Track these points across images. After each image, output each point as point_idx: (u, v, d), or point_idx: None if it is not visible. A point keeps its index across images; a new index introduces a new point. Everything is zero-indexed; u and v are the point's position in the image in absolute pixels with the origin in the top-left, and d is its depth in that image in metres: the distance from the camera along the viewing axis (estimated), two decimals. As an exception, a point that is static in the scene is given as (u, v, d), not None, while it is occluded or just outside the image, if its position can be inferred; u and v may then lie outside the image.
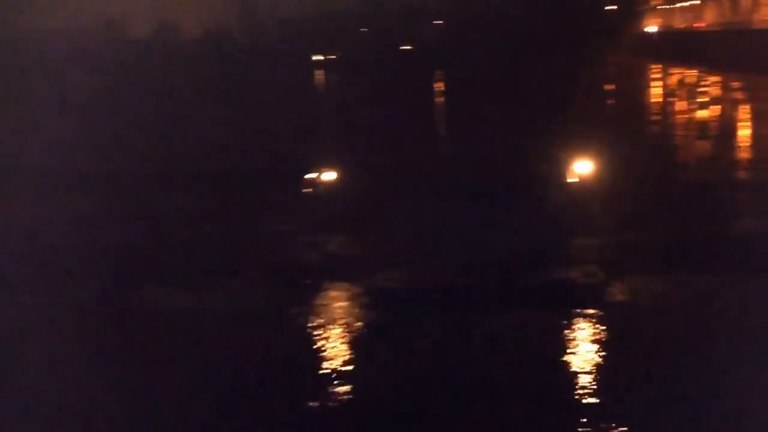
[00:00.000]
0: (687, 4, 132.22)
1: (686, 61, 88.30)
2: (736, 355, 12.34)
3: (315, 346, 13.59)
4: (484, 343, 13.56)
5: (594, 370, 12.19)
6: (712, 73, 75.46)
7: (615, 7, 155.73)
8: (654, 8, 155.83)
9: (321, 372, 12.52)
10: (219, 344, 13.78)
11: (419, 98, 68.03)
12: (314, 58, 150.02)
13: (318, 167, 25.05)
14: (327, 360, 12.98)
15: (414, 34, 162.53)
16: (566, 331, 13.83)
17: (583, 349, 13.05)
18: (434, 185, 26.06)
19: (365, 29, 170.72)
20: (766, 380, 11.39)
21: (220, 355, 13.26)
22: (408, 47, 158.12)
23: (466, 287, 15.69)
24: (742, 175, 28.18)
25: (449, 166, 30.63)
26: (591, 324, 14.04)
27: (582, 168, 22.29)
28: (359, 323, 14.68)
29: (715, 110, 50.07)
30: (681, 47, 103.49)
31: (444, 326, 14.36)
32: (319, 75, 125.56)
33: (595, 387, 11.58)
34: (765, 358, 12.06)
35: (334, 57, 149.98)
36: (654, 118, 49.86)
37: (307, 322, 14.73)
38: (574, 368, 12.29)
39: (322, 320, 14.83)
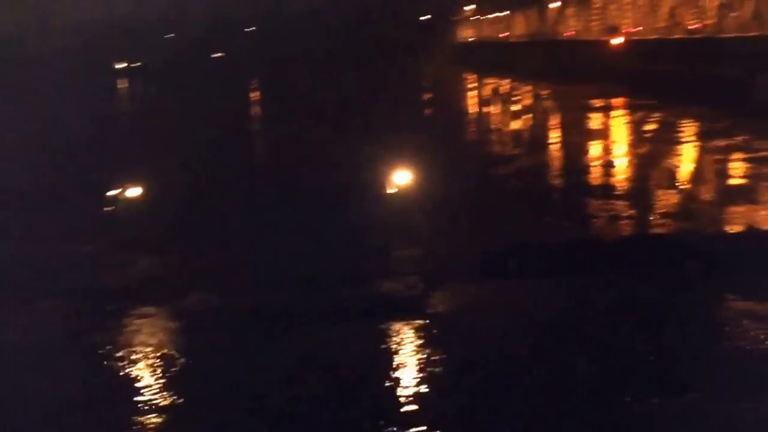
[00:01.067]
0: (497, 15, 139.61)
1: (499, 71, 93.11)
2: (551, 356, 13.02)
3: (117, 378, 12.86)
4: (303, 362, 13.42)
5: (414, 380, 12.42)
6: (524, 82, 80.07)
7: (429, 16, 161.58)
8: (467, 19, 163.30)
9: (122, 406, 11.84)
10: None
11: (232, 107, 67.14)
12: (117, 65, 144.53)
13: (121, 183, 23.93)
14: (131, 392, 12.31)
15: (226, 42, 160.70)
16: (388, 344, 13.98)
17: (404, 361, 13.27)
18: (248, 198, 25.68)
19: (172, 35, 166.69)
20: (577, 381, 12.10)
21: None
22: (220, 54, 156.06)
23: (283, 303, 15.48)
24: (557, 181, 29.94)
25: (264, 178, 30.33)
26: (412, 335, 14.29)
27: (401, 178, 22.71)
28: (168, 350, 14.07)
29: (528, 119, 53.10)
30: (494, 57, 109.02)
31: (260, 347, 14.06)
32: (123, 83, 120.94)
33: (416, 396, 11.80)
34: (576, 359, 12.81)
35: (139, 64, 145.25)
36: (471, 127, 52.04)
37: (109, 352, 13.93)
38: (394, 379, 12.46)
39: (125, 349, 14.07)
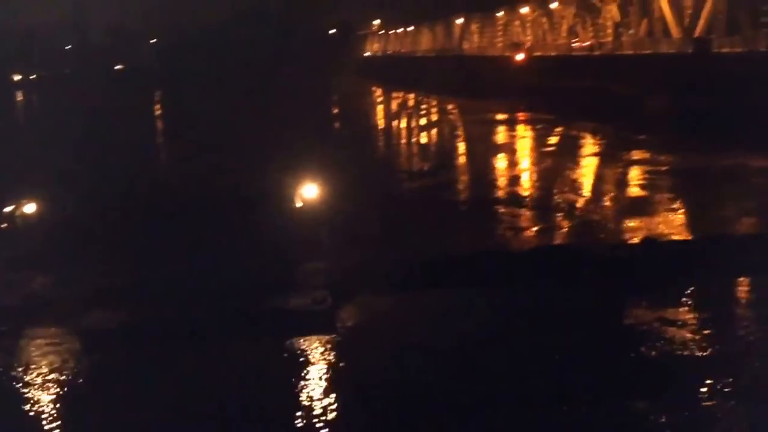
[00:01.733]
0: (404, 30, 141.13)
1: (406, 85, 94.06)
2: (459, 368, 13.14)
3: (13, 401, 12.29)
4: (209, 378, 13.16)
5: (320, 396, 12.36)
6: (430, 96, 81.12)
7: (335, 30, 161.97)
8: (374, 33, 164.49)
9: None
10: None
11: (134, 120, 65.57)
12: (14, 77, 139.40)
13: (15, 199, 22.95)
14: (27, 415, 11.78)
15: (129, 53, 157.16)
16: (294, 360, 13.85)
17: (312, 376, 13.17)
18: (152, 213, 25.06)
19: (69, 47, 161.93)
20: (485, 393, 12.20)
21: None
22: (121, 66, 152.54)
23: (187, 320, 15.12)
24: (463, 194, 30.35)
25: (168, 193, 29.68)
26: (320, 350, 14.20)
27: (308, 191, 22.55)
28: (67, 371, 13.54)
29: (435, 132, 53.75)
30: (401, 72, 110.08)
31: (162, 367, 13.71)
32: (20, 96, 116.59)
33: (323, 410, 11.73)
34: (484, 369, 12.97)
35: (36, 76, 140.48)
36: (379, 140, 52.28)
37: (4, 374, 13.31)
38: (299, 397, 12.37)
39: (21, 370, 13.47)
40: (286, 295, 16.01)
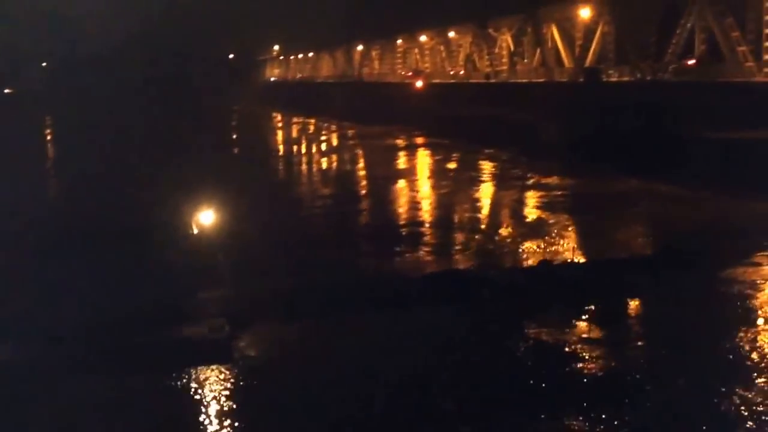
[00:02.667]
0: (304, 56, 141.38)
1: (307, 111, 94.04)
2: (356, 396, 13.04)
3: None
4: (101, 413, 12.65)
5: (219, 426, 12.11)
6: (330, 121, 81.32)
7: (233, 56, 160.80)
8: (274, 58, 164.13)
9: None
10: None
11: (22, 146, 63.14)
12: None
13: None
14: None
15: (19, 76, 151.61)
16: (191, 391, 13.46)
17: (208, 407, 12.83)
18: (42, 242, 24.04)
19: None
20: (385, 418, 12.14)
21: None
22: (9, 90, 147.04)
23: (76, 353, 14.50)
24: (362, 220, 30.35)
25: (59, 221, 28.57)
26: (218, 381, 13.85)
27: (206, 219, 22.10)
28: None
29: (335, 158, 53.81)
30: (301, 97, 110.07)
31: (54, 401, 13.09)
32: None
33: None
34: (385, 396, 12.92)
35: None
36: (278, 166, 51.94)
37: None
38: (198, 428, 12.05)
39: None
40: (182, 325, 15.57)
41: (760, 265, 20.17)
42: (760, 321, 16.18)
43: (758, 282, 18.72)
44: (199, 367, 14.26)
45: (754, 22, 44.35)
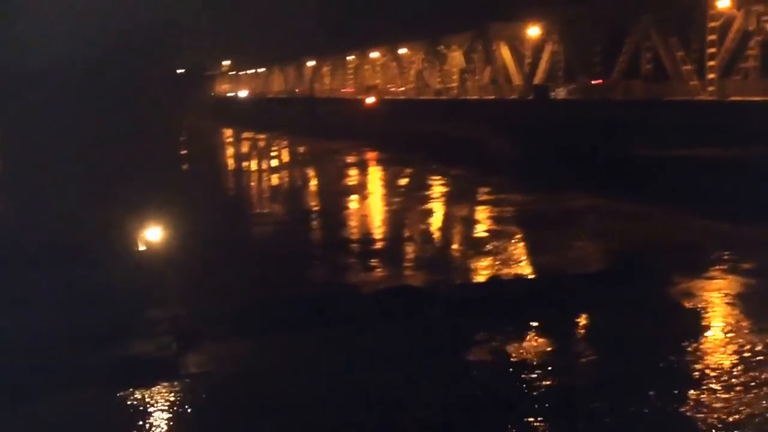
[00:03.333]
0: (255, 71, 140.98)
1: (257, 126, 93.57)
2: (307, 408, 12.92)
3: None
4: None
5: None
6: (281, 137, 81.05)
7: (184, 70, 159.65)
8: (225, 73, 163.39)
9: None
10: None
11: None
12: None
13: None
14: None
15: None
16: (137, 410, 13.18)
17: (155, 427, 12.58)
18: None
19: None
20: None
21: None
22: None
23: (18, 373, 14.13)
24: (313, 236, 30.22)
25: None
26: (165, 399, 13.60)
27: (153, 235, 21.81)
28: None
29: (286, 174, 53.58)
30: (252, 112, 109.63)
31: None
32: None
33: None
34: (335, 413, 12.82)
35: None
36: (227, 182, 51.52)
37: None
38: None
39: None
40: (127, 343, 15.30)
41: (710, 278, 20.56)
42: (710, 333, 16.47)
43: (708, 295, 19.07)
44: (145, 386, 14.00)
45: (698, 41, 45.49)
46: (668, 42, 45.04)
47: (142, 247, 20.39)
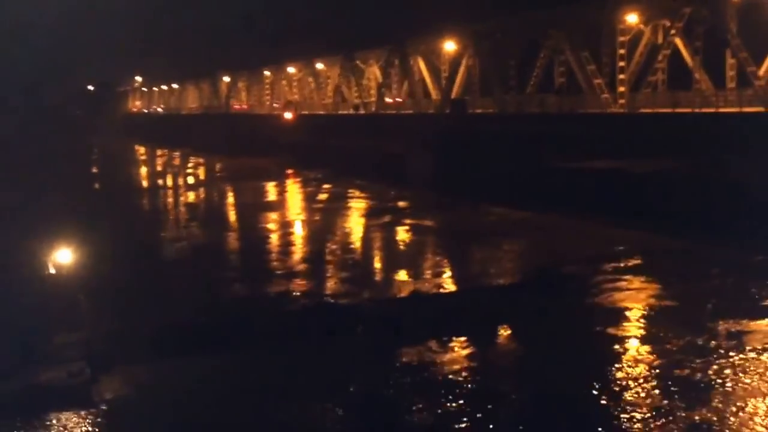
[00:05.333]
0: (169, 87, 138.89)
1: (171, 143, 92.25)
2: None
3: None
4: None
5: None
6: (196, 154, 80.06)
7: (92, 87, 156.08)
8: (137, 89, 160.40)
9: None
10: None
11: None
12: None
13: None
14: None
15: None
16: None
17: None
18: None
19: None
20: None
21: None
22: None
23: None
24: (231, 257, 29.90)
25: None
26: (78, 427, 13.30)
27: (63, 258, 21.25)
28: None
29: (202, 192, 52.92)
30: (165, 129, 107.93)
31: None
32: None
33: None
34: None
35: None
36: (140, 202, 50.56)
37: None
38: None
39: None
40: (38, 370, 14.87)
41: (628, 289, 21.22)
42: (633, 342, 17.00)
43: (628, 304, 19.70)
44: (58, 413, 13.65)
45: (609, 55, 47.01)
46: (580, 56, 46.38)
47: (52, 271, 19.82)
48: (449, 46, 58.34)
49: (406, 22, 61.22)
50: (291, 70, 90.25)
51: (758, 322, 17.74)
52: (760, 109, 35.66)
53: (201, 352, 16.49)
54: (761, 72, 39.57)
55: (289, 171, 59.88)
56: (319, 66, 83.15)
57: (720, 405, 13.24)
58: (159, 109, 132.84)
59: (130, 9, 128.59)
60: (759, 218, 25.59)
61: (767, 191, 27.27)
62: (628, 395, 13.94)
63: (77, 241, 21.14)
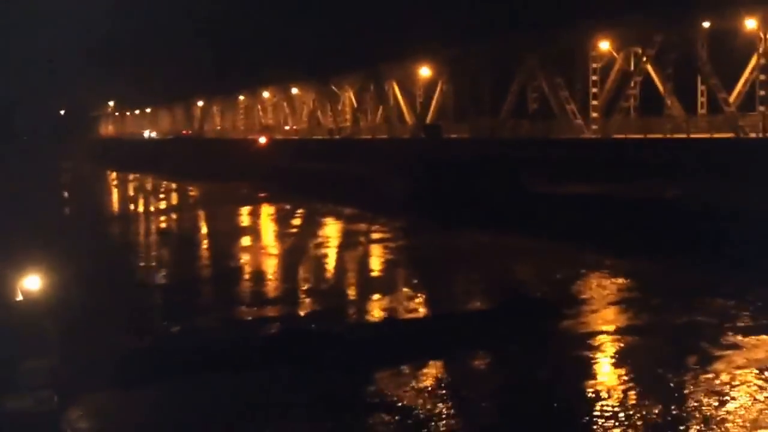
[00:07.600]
0: (141, 111, 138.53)
1: (144, 168, 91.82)
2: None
3: None
4: None
5: None
6: (170, 179, 79.72)
7: (63, 112, 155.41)
8: (109, 114, 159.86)
9: None
10: None
11: None
12: None
13: None
14: None
15: None
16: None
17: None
18: None
19: None
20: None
21: None
22: None
23: None
24: (204, 287, 29.70)
25: None
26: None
27: (31, 284, 21.01)
28: None
29: (174, 218, 52.65)
30: (139, 154, 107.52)
31: None
32: None
33: None
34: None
35: None
36: (111, 228, 50.19)
37: None
38: None
39: None
40: (3, 398, 14.63)
41: (596, 311, 21.36)
42: (606, 368, 17.06)
43: (603, 330, 19.79)
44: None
45: (582, 81, 47.65)
46: (553, 82, 46.93)
47: (20, 297, 19.57)
48: (424, 71, 58.83)
49: (381, 48, 61.71)
50: (266, 94, 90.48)
51: (738, 346, 17.88)
52: (730, 134, 36.28)
53: (171, 378, 16.33)
54: (731, 98, 40.27)
55: (263, 194, 59.77)
56: (295, 91, 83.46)
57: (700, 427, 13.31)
58: (153, 134, 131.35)
59: (105, 35, 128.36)
60: (734, 241, 26.01)
61: (738, 216, 27.69)
62: (605, 422, 13.98)
63: (45, 268, 20.92)
